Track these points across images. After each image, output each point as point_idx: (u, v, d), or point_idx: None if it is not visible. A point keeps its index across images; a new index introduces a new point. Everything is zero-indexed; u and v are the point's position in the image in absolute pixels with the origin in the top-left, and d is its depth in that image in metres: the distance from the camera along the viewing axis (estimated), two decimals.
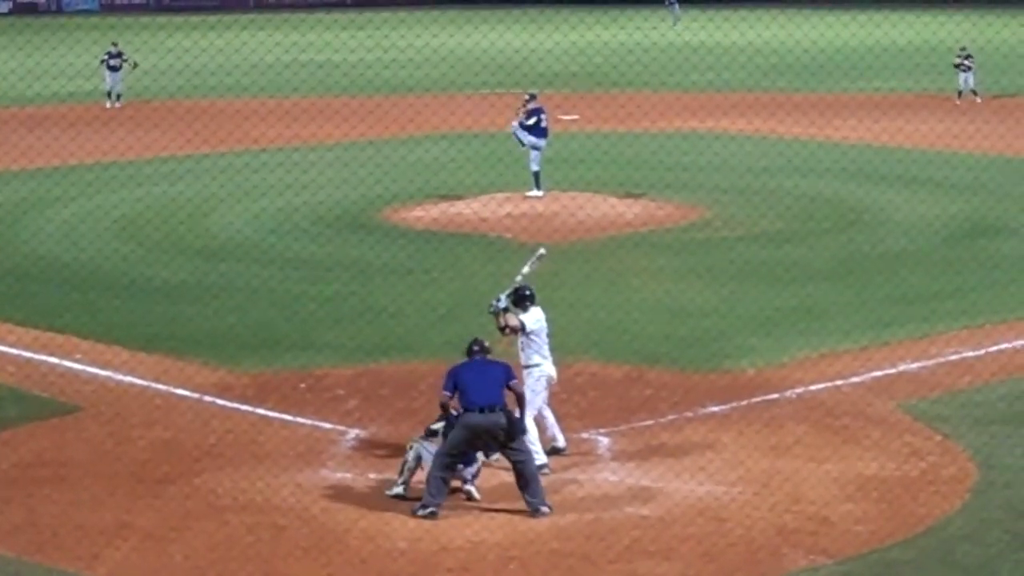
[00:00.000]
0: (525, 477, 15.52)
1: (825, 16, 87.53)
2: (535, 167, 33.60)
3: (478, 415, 15.38)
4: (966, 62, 51.77)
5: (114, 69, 53.06)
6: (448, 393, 15.65)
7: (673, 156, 37.30)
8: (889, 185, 34.98)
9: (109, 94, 53.42)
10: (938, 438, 17.74)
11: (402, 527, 15.13)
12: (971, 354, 21.27)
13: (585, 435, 17.75)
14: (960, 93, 51.63)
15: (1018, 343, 21.81)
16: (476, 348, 15.96)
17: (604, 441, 17.54)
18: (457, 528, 15.13)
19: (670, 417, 18.47)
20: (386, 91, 55.10)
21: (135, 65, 53.36)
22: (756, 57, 65.07)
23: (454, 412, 15.70)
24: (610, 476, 16.59)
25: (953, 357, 21.11)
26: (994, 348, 21.56)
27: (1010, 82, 55.51)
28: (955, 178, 35.73)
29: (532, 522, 15.25)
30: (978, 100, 51.22)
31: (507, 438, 15.41)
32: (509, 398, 15.62)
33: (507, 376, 15.69)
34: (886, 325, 22.86)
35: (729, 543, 14.78)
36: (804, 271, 26.58)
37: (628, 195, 32.14)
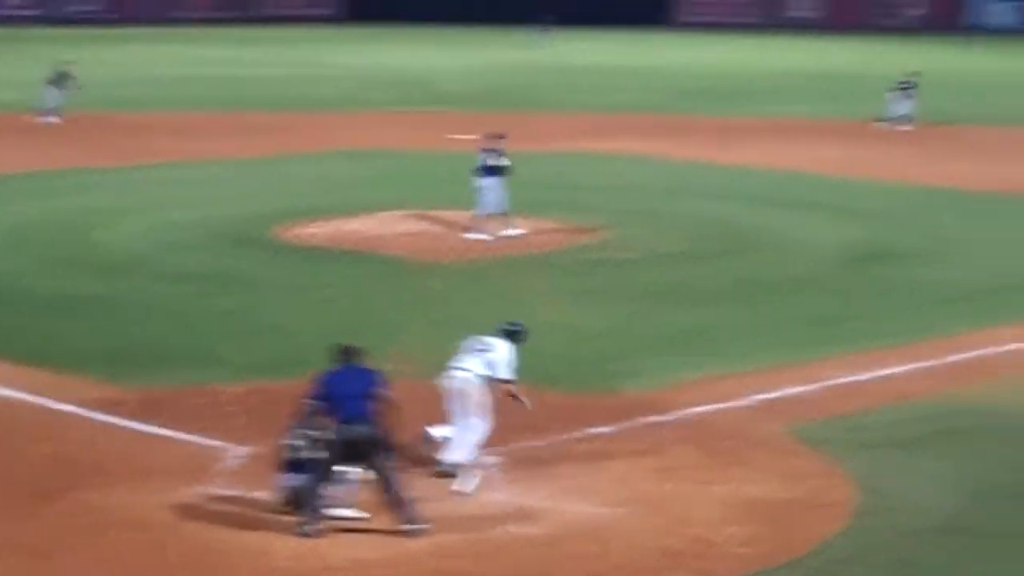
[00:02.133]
0: (392, 495, 15.37)
1: (728, 40, 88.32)
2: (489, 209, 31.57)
3: (348, 427, 15.25)
4: (908, 88, 50.64)
5: (58, 85, 50.18)
6: (315, 402, 15.45)
7: (573, 177, 37.40)
8: (787, 209, 35.24)
9: (48, 110, 49.67)
10: (824, 461, 17.85)
11: (284, 546, 15.02)
12: (860, 378, 21.43)
13: None
14: (887, 119, 50.17)
15: (907, 368, 22.01)
16: (345, 354, 15.79)
17: (491, 460, 17.50)
18: (339, 547, 15.04)
19: (559, 437, 18.47)
20: (286, 107, 54.94)
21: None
22: (658, 79, 65.56)
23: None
24: (497, 495, 16.56)
25: (842, 381, 21.26)
26: (883, 373, 21.73)
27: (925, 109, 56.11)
28: (853, 204, 36.05)
29: (416, 541, 15.19)
30: (908, 128, 49.87)
31: (377, 451, 15.28)
32: (381, 408, 15.46)
33: (376, 384, 15.53)
34: (778, 348, 23.01)
35: (614, 564, 14.80)
36: (700, 294, 26.71)
37: (526, 215, 32.15)
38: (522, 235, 31.15)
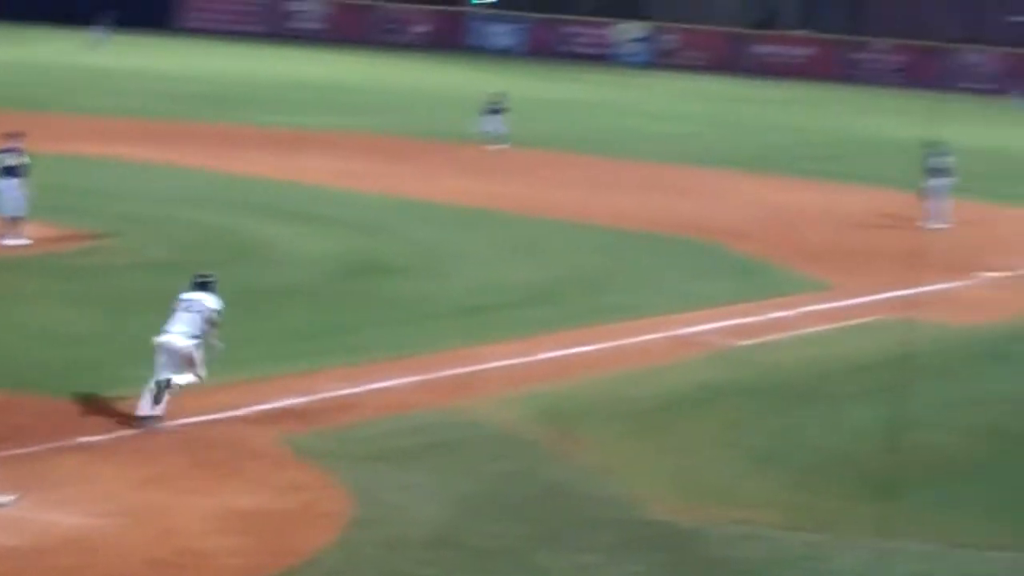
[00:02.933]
0: None
1: (232, 47, 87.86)
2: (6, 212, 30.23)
3: None
4: (498, 106, 51.03)
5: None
6: None
7: (65, 180, 36.33)
8: (285, 220, 35.15)
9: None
10: (318, 472, 17.83)
11: None
12: (355, 390, 21.53)
13: None
14: (485, 138, 50.51)
15: (401, 381, 22.23)
16: None
17: None
18: None
19: (43, 446, 17.82)
20: None
21: None
22: (161, 84, 64.52)
23: None
24: None
25: (337, 393, 21.31)
26: (378, 385, 21.90)
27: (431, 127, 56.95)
28: (349, 216, 36.28)
29: None
30: (503, 147, 50.23)
31: None
32: None
33: None
34: (274, 359, 22.87)
35: (99, 575, 14.37)
36: None
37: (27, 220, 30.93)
38: (27, 244, 30.05)
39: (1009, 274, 34.32)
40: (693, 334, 26.61)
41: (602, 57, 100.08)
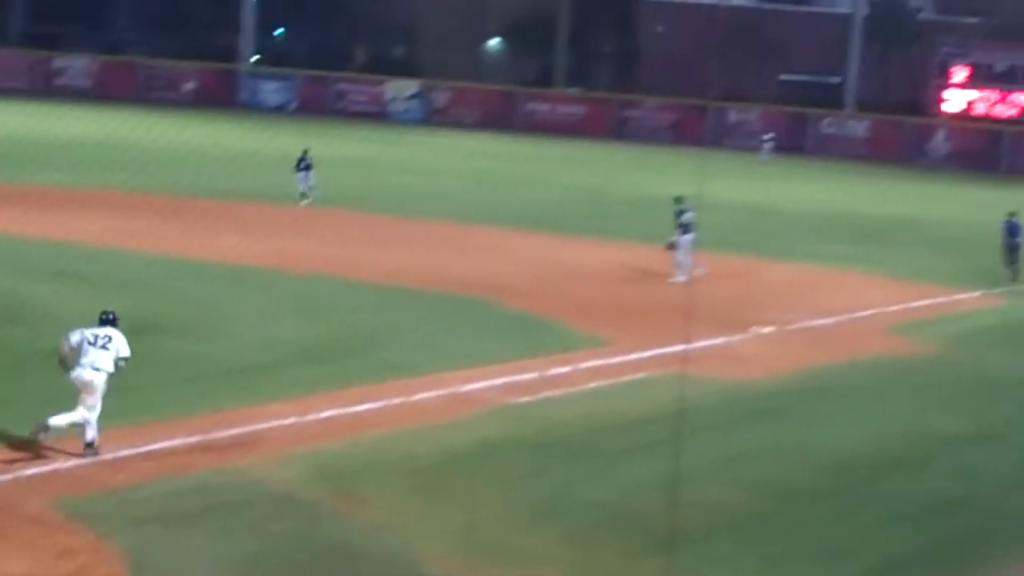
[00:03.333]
0: None
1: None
2: None
3: None
4: (306, 167, 52.67)
5: None
6: None
7: None
8: (54, 280, 34.40)
9: None
10: (92, 537, 17.41)
11: None
12: (131, 452, 21.13)
13: None
14: (302, 196, 52.36)
15: (178, 442, 21.86)
16: None
17: None
18: None
19: None
20: None
21: None
22: None
23: None
24: None
25: (113, 455, 20.87)
26: (154, 446, 21.54)
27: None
28: (119, 275, 35.65)
29: None
30: (307, 204, 52.01)
31: None
32: None
33: None
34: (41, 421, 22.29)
35: None
36: None
37: None
38: None
39: (779, 328, 35.03)
40: (471, 391, 26.64)
41: (375, 114, 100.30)
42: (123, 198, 49.91)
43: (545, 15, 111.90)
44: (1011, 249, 45.87)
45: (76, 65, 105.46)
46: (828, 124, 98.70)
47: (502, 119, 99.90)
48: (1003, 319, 39.45)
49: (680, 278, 39.45)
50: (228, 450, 21.87)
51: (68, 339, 21.51)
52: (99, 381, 21.02)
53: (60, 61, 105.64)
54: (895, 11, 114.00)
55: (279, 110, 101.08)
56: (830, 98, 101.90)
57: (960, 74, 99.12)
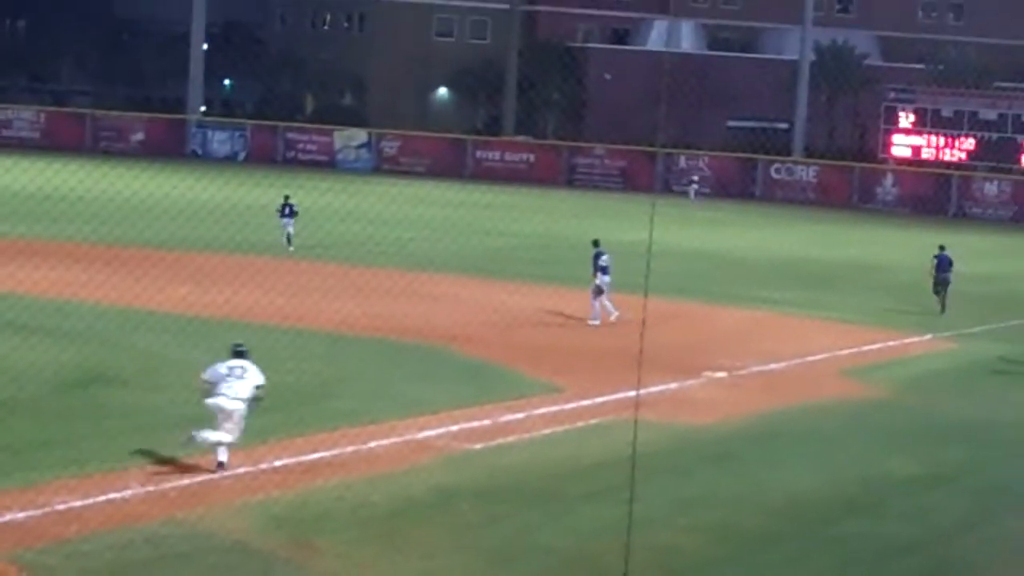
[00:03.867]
0: None
1: None
2: None
3: None
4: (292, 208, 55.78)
5: None
6: None
7: None
8: (1, 331, 34.13)
9: None
10: None
11: None
12: (79, 503, 20.93)
13: None
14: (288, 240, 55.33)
15: (129, 492, 21.70)
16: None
17: None
18: None
19: None
20: None
21: None
22: None
23: None
24: None
25: (61, 507, 20.67)
26: (106, 497, 21.34)
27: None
28: (68, 326, 35.43)
29: None
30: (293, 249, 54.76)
31: None
32: None
33: None
34: None
35: None
36: None
37: None
38: None
39: (731, 373, 35.08)
40: (425, 438, 26.55)
41: (325, 163, 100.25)
42: (72, 249, 49.65)
43: (493, 64, 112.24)
44: (941, 283, 47.68)
45: (23, 116, 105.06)
46: (777, 170, 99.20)
47: (452, 167, 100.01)
48: (952, 362, 39.63)
49: (595, 321, 40.64)
50: (180, 500, 21.70)
51: (208, 371, 23.98)
52: (237, 408, 23.48)
53: (6, 113, 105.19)
54: (842, 57, 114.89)
55: (229, 160, 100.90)
56: (779, 144, 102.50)
57: (907, 119, 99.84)
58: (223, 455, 23.36)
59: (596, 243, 42.24)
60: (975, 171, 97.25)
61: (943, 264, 47.89)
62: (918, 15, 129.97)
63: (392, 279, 46.74)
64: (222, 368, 23.83)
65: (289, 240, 55.66)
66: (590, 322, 40.87)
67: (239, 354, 24.16)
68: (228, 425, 23.37)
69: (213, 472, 23.05)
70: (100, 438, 25.08)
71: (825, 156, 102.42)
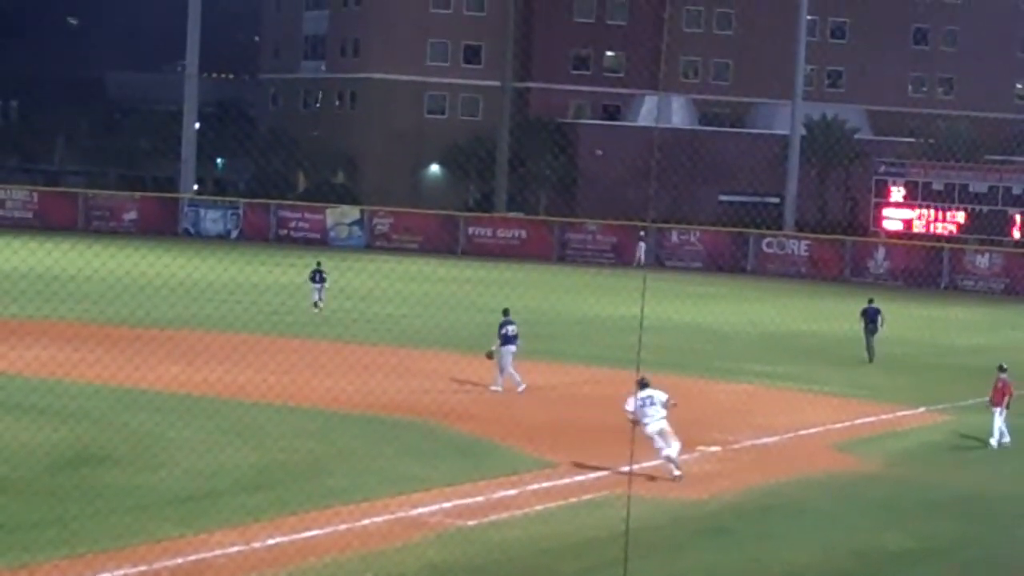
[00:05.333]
0: None
1: None
2: None
3: None
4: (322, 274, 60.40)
5: None
6: None
7: None
8: None
9: None
10: None
11: None
12: None
13: None
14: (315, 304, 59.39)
15: (121, 572, 21.61)
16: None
17: None
18: None
19: None
20: None
21: None
22: None
23: None
24: None
25: None
26: None
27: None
28: (60, 405, 35.34)
29: None
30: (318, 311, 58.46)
31: None
32: None
33: None
34: None
35: None
36: None
37: None
38: None
39: (725, 448, 35.02)
40: (417, 516, 26.47)
41: (317, 241, 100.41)
42: (65, 328, 49.66)
43: (484, 141, 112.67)
44: (870, 332, 52.95)
45: (16, 196, 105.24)
46: (768, 244, 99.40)
47: (444, 244, 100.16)
48: (945, 436, 39.57)
49: (497, 387, 41.08)
50: None
51: (629, 407, 29.72)
52: (666, 426, 30.15)
53: None
54: (832, 132, 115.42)
55: (221, 238, 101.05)
56: (770, 218, 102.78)
57: (898, 193, 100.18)
58: (676, 471, 30.16)
59: (505, 312, 42.54)
60: (966, 244, 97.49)
61: (871, 315, 52.93)
62: (908, 89, 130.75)
63: (384, 355, 46.71)
64: (638, 400, 29.52)
65: (316, 305, 60.26)
66: (495, 387, 41.25)
67: (644, 385, 30.01)
68: (671, 440, 30.18)
69: (672, 481, 30.00)
70: (93, 518, 25.00)
71: (816, 230, 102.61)
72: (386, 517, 26.22)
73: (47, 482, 27.66)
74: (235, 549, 23.35)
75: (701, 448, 34.48)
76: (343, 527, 25.24)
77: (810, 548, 26.14)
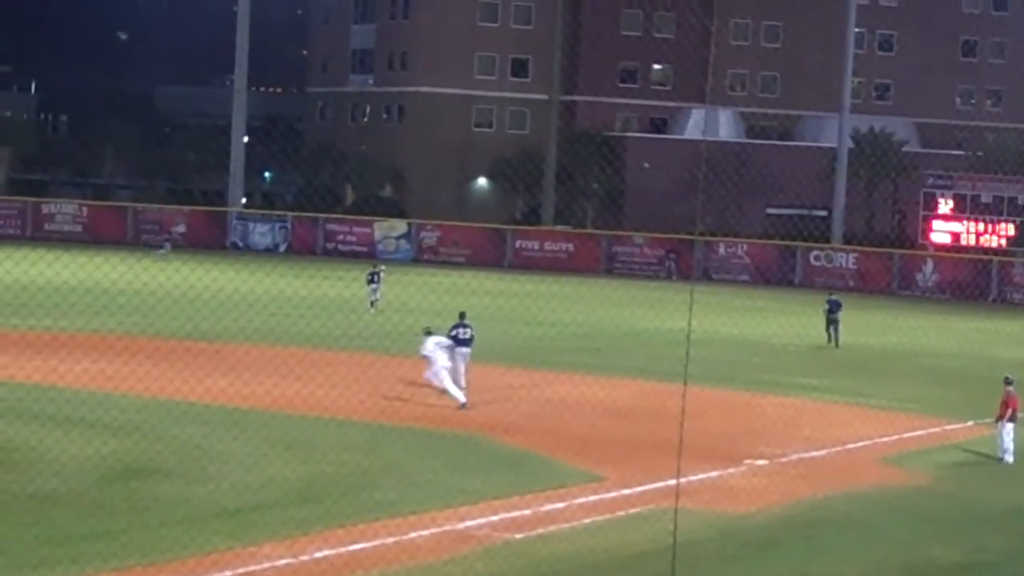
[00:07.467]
0: None
1: None
2: None
3: None
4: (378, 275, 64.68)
5: None
6: None
7: None
8: (44, 424, 34.30)
9: None
10: None
11: None
12: None
13: None
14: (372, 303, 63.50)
15: None
16: None
17: None
18: None
19: None
20: None
21: None
22: None
23: None
24: None
25: None
26: None
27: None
28: (109, 418, 35.55)
29: None
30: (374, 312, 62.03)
31: None
32: None
33: None
34: (34, 567, 22.15)
35: None
36: None
37: None
38: None
39: (772, 461, 34.93)
40: (465, 529, 26.49)
41: (365, 254, 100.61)
42: (114, 342, 49.89)
43: (532, 154, 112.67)
44: (832, 323, 59.52)
45: (66, 211, 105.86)
46: (816, 257, 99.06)
47: (491, 257, 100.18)
48: (993, 449, 39.31)
49: (459, 396, 40.35)
50: None
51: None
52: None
53: (48, 207, 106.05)
54: (880, 144, 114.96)
55: (270, 251, 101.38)
56: (817, 231, 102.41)
57: (946, 205, 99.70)
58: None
59: (462, 315, 43.00)
60: (1015, 256, 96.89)
61: (833, 307, 60.09)
62: (956, 102, 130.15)
63: None
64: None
65: (373, 304, 64.42)
66: (460, 404, 40.37)
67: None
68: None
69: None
70: (141, 531, 25.12)
71: (864, 243, 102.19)
72: (433, 530, 26.25)
73: (97, 495, 27.82)
74: (283, 562, 23.43)
75: (749, 461, 34.40)
76: (390, 540, 25.29)
77: (858, 562, 26.04)
